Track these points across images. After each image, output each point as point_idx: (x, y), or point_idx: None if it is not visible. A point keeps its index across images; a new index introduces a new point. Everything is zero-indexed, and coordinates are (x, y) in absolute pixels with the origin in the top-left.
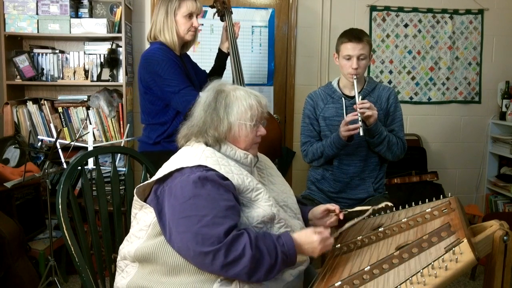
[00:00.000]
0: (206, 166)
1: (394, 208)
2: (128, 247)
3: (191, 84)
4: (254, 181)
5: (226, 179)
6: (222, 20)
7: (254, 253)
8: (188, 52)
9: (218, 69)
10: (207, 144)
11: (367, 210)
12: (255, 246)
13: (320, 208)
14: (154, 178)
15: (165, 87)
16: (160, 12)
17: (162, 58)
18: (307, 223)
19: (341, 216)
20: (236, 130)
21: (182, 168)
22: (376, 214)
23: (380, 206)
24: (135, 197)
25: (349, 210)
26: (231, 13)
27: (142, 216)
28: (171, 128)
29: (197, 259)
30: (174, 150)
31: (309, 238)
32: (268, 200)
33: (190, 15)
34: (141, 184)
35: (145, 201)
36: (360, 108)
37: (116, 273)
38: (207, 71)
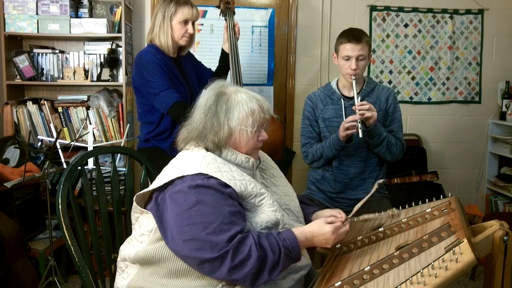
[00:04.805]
0: (207, 174)
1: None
2: (128, 249)
3: (178, 86)
4: (258, 186)
5: (228, 186)
6: (225, 20)
7: (259, 253)
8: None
9: (223, 69)
10: (207, 149)
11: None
12: (259, 246)
13: (325, 213)
14: (154, 185)
15: (148, 88)
16: (157, 16)
17: (148, 60)
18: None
19: (348, 227)
20: (236, 136)
21: (182, 176)
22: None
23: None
24: (135, 204)
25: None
26: (234, 13)
27: (144, 221)
28: (159, 128)
29: (204, 266)
30: (164, 148)
31: (322, 230)
32: (272, 205)
33: (185, 22)
34: (141, 192)
35: (145, 206)
36: (360, 110)
37: (117, 273)
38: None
